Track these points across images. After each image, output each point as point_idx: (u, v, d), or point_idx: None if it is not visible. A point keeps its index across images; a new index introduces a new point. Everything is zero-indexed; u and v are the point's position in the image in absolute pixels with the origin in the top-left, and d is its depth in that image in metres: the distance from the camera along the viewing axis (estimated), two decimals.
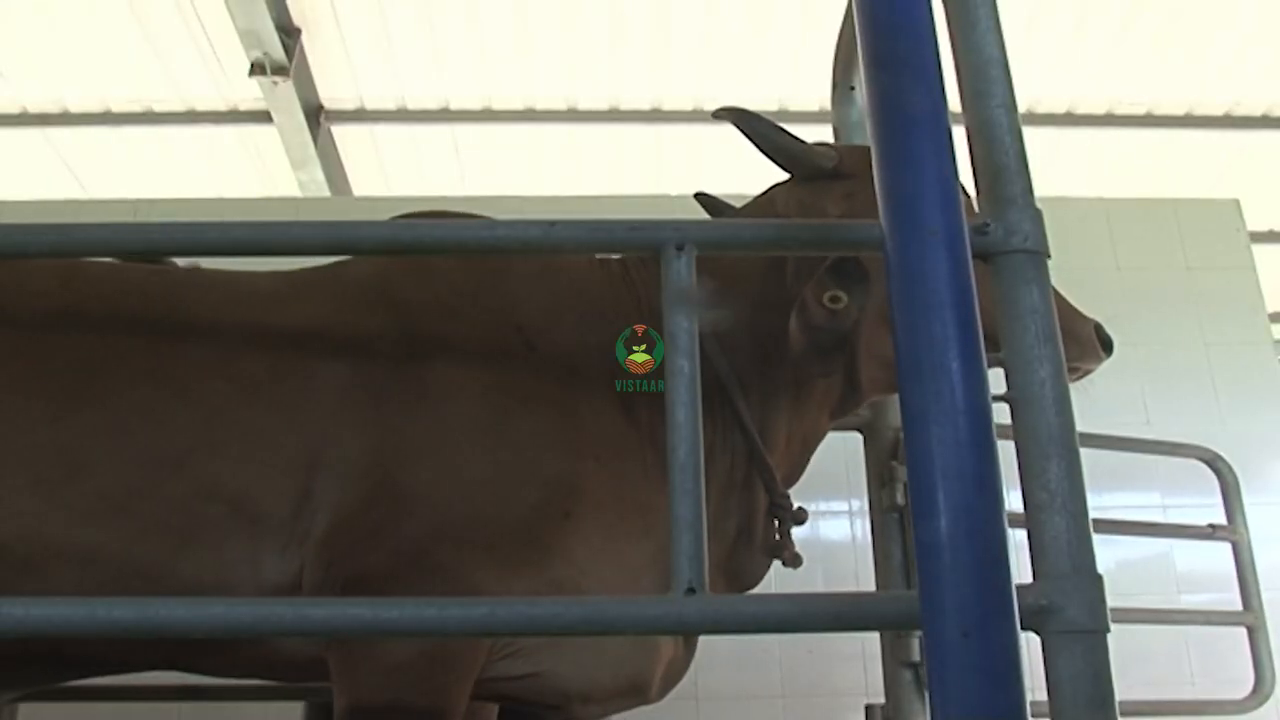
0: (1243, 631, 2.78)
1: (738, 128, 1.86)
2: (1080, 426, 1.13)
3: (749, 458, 1.78)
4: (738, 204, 2.14)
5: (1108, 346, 1.87)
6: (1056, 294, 1.81)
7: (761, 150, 1.88)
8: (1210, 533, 2.72)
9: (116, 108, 5.44)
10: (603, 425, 1.67)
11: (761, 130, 1.86)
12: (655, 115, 5.55)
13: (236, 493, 1.54)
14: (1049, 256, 1.19)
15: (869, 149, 1.13)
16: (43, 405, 1.54)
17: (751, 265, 1.84)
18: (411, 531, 1.54)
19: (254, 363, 1.63)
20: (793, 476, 1.89)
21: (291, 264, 1.74)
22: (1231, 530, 2.72)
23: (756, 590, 1.80)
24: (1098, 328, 1.88)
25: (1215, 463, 2.80)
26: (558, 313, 1.76)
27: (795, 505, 1.82)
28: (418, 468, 1.57)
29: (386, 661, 1.51)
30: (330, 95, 5.42)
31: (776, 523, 1.81)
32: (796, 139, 1.88)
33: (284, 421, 1.58)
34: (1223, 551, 2.79)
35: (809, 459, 1.92)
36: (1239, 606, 2.76)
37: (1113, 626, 1.06)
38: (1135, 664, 3.04)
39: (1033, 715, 0.94)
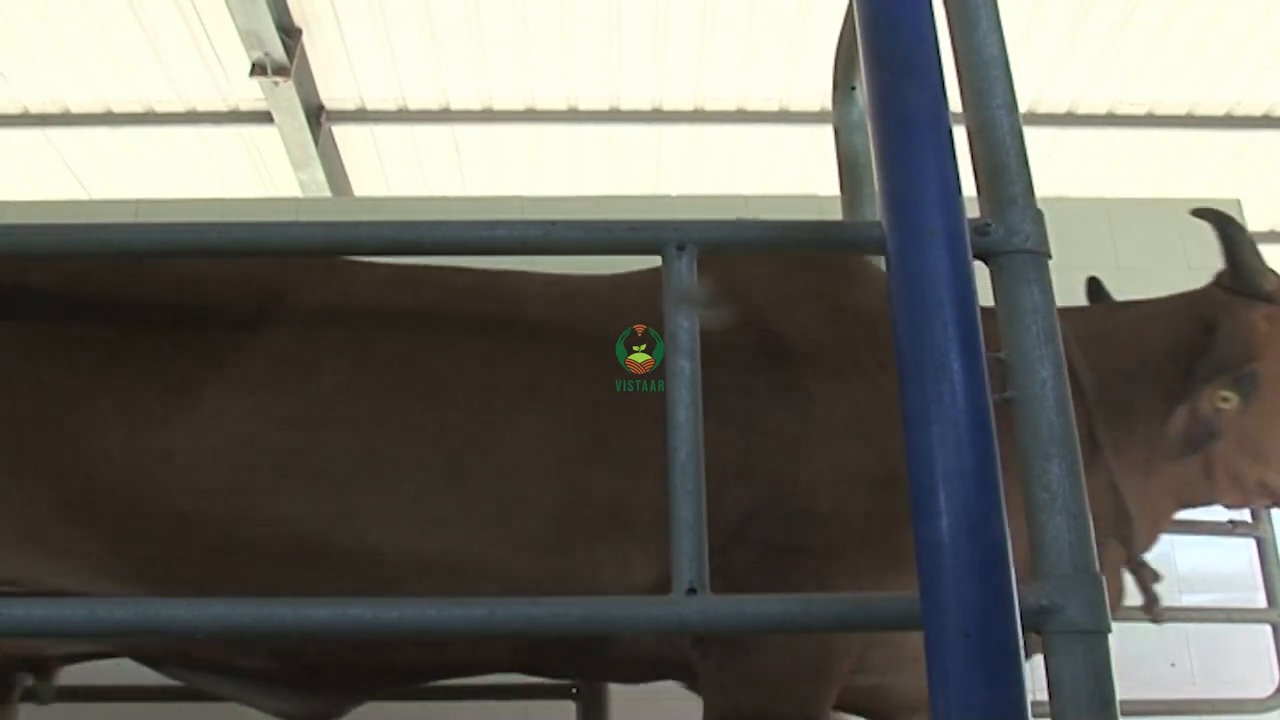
0: (1244, 630, 2.78)
1: (1214, 228, 2.00)
2: None
3: (1107, 515, 1.83)
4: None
5: None
6: None
7: (1225, 252, 2.01)
8: (1231, 529, 2.70)
9: (116, 108, 5.44)
10: None
11: (1234, 237, 1.99)
12: (655, 115, 5.55)
13: (610, 499, 1.55)
14: (1049, 257, 1.19)
15: None
16: (425, 415, 1.56)
17: (1159, 353, 1.92)
18: (782, 533, 1.56)
19: (616, 371, 1.63)
20: (1145, 546, 1.94)
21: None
22: (1255, 526, 2.69)
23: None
24: None
25: None
26: None
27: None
28: (792, 470, 1.59)
29: (762, 669, 1.55)
30: (331, 95, 5.41)
31: (1136, 580, 1.88)
32: (1258, 256, 2.01)
33: (652, 426, 1.59)
34: (1226, 552, 2.79)
35: (1157, 536, 1.97)
36: (1242, 605, 2.75)
37: (1120, 625, 1.06)
38: (1136, 664, 3.04)
39: (1033, 715, 0.94)
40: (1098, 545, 1.81)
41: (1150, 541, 1.94)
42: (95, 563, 1.52)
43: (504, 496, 1.54)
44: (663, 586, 1.54)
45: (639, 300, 1.73)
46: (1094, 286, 2.28)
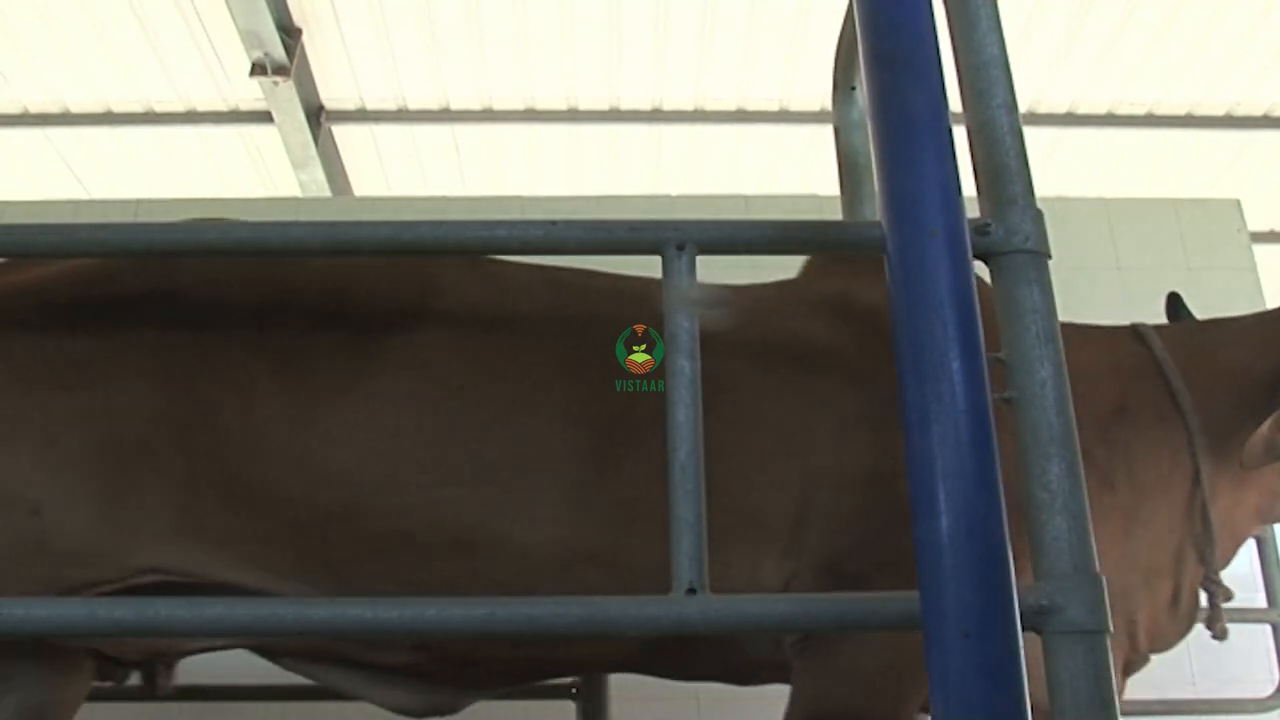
0: (1245, 630, 2.77)
1: None
2: None
3: (1195, 531, 1.86)
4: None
5: None
6: None
7: None
8: None
9: (116, 108, 5.44)
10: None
11: None
12: (655, 115, 5.55)
13: (745, 503, 1.61)
14: (1049, 257, 1.19)
15: None
16: (568, 413, 1.61)
17: (1254, 372, 1.92)
18: (903, 541, 1.60)
19: (753, 377, 1.69)
20: (1223, 564, 1.96)
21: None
22: None
23: None
24: None
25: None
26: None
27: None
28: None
29: (853, 670, 1.59)
30: (331, 95, 5.41)
31: (1207, 595, 1.91)
32: None
33: (787, 437, 1.65)
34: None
35: (1235, 552, 2.00)
36: (1242, 605, 2.75)
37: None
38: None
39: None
40: (1179, 564, 1.85)
41: (1228, 559, 1.97)
42: (253, 556, 1.55)
43: (648, 496, 1.56)
44: (789, 589, 1.63)
45: (779, 310, 1.81)
46: (1174, 303, 2.31)
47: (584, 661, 1.83)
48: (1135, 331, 1.97)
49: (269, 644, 1.72)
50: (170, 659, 1.82)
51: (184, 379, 1.55)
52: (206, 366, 1.57)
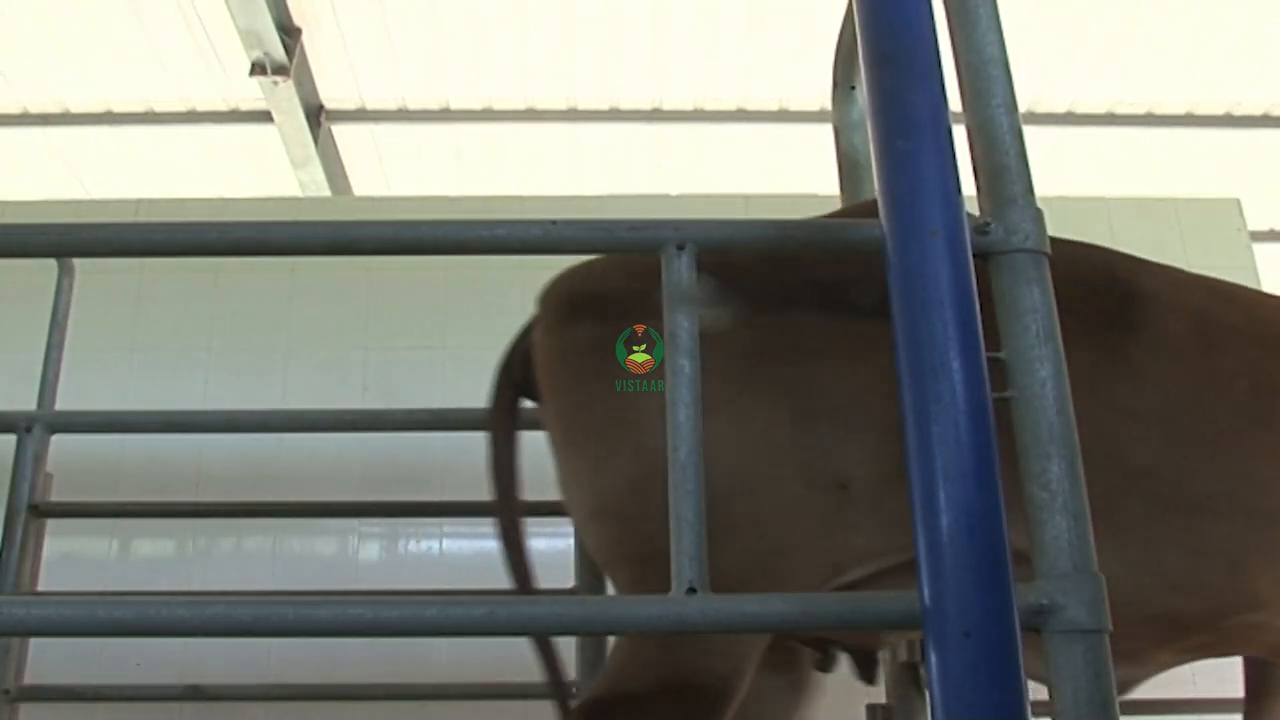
0: None
1: None
2: None
3: None
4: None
5: None
6: None
7: None
8: None
9: (116, 108, 5.44)
10: None
11: None
12: (655, 115, 5.55)
13: None
14: (1049, 255, 1.19)
15: None
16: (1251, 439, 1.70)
17: None
18: None
19: None
20: None
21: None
22: None
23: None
24: None
25: None
26: None
27: None
28: None
29: None
30: (331, 95, 5.41)
31: None
32: None
33: None
34: None
35: None
36: None
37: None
38: None
39: (1033, 715, 0.94)
40: None
41: None
42: None
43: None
44: None
45: None
46: None
47: None
48: None
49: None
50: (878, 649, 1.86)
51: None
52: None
